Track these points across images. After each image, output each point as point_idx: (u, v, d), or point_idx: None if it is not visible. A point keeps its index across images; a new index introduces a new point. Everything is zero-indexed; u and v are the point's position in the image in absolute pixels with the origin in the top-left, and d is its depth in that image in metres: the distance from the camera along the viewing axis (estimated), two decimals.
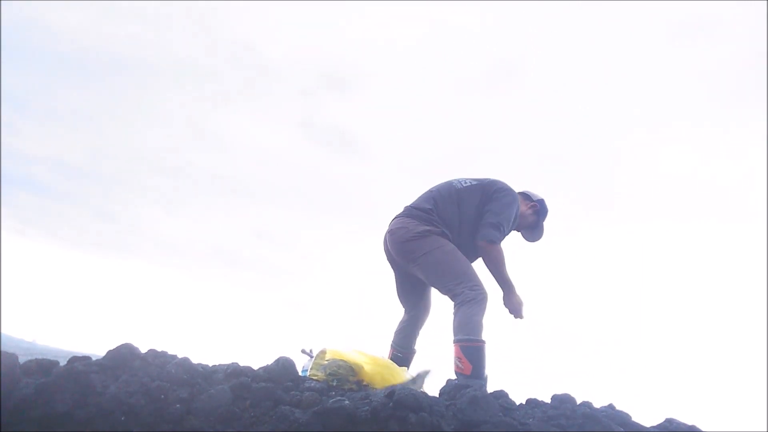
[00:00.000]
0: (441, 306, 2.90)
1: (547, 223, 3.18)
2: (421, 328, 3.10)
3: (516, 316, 2.85)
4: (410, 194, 3.21)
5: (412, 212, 2.88)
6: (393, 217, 2.99)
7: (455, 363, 2.48)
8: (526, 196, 3.14)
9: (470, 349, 2.45)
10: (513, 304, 2.82)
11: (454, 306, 2.60)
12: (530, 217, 3.12)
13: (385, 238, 2.98)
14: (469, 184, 2.92)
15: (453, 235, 2.81)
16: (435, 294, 2.99)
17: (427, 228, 2.75)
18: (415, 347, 3.10)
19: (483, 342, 2.48)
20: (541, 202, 3.16)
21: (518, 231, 3.16)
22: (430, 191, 2.98)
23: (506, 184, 2.94)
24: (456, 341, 2.49)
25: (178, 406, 1.75)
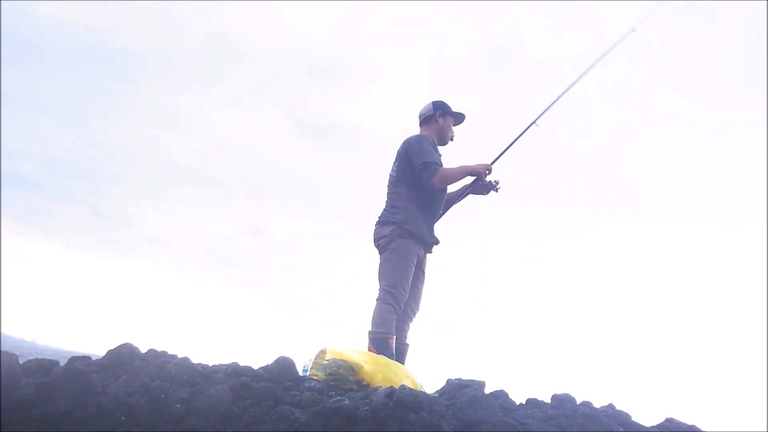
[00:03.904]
0: (429, 303, 3.31)
1: (453, 106, 3.48)
2: (410, 322, 3.19)
3: (484, 175, 3.22)
4: None
5: (386, 218, 3.21)
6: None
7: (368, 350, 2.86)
8: (428, 117, 3.43)
9: (377, 340, 2.88)
10: (476, 172, 3.22)
11: (375, 300, 3.03)
12: (447, 120, 3.42)
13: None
14: (395, 170, 3.27)
15: (422, 208, 3.17)
16: (424, 290, 3.31)
17: (393, 227, 3.10)
18: (407, 341, 3.16)
19: (387, 333, 2.91)
20: (437, 105, 3.43)
21: (456, 126, 3.50)
22: (394, 191, 3.26)
23: (407, 139, 3.29)
24: (369, 333, 2.92)
25: (178, 406, 1.75)
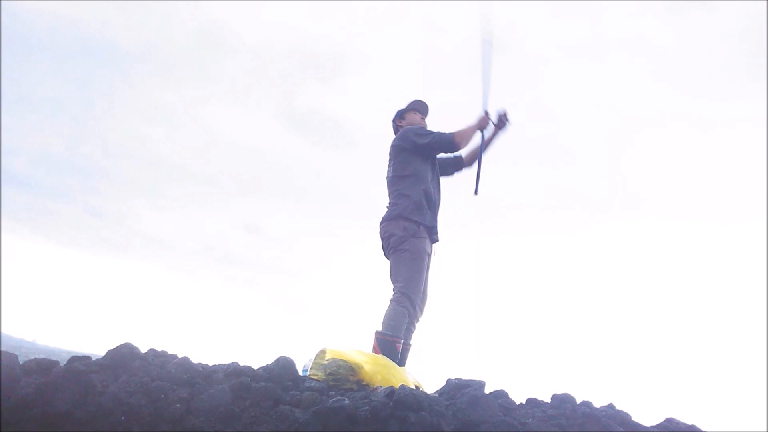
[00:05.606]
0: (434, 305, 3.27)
1: (414, 103, 3.64)
2: (417, 322, 3.17)
3: (487, 122, 3.28)
4: None
5: (393, 211, 3.22)
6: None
7: (372, 351, 2.88)
8: (396, 131, 3.61)
9: (383, 342, 2.87)
10: (482, 126, 3.29)
11: (390, 301, 3.02)
12: (408, 117, 3.58)
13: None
14: (391, 171, 3.35)
15: (424, 199, 3.19)
16: (431, 291, 3.28)
17: (405, 225, 3.12)
18: (411, 342, 3.15)
19: (396, 337, 2.89)
20: (393, 118, 3.64)
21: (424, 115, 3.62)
22: (395, 189, 3.30)
23: (394, 140, 3.40)
24: (376, 333, 2.91)
25: (178, 405, 1.75)
